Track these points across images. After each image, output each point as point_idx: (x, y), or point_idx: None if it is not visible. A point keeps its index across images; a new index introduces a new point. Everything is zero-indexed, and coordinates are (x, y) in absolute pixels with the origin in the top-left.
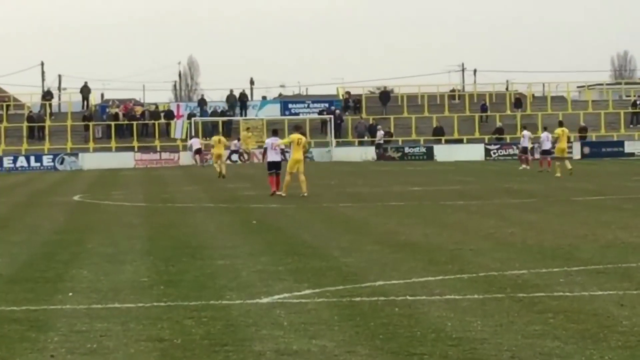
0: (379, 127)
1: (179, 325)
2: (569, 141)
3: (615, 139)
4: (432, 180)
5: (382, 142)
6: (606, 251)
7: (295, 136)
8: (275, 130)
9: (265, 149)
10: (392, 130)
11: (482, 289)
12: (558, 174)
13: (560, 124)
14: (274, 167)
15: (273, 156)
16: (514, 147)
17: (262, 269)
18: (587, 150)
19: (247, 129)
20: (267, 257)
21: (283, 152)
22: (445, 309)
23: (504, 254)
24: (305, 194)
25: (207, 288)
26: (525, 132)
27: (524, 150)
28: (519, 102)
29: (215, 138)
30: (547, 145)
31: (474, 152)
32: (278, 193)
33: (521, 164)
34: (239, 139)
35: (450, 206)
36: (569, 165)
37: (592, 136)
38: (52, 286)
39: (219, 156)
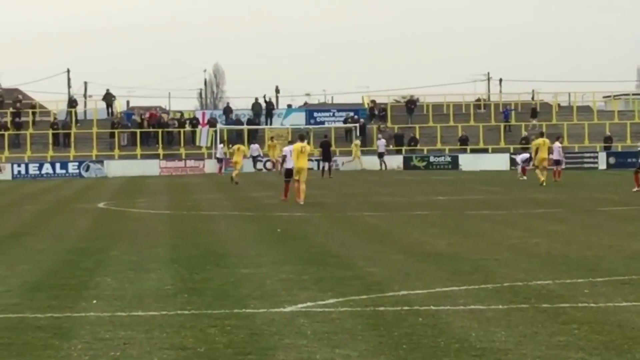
0: (379, 135)
1: (202, 333)
2: (550, 152)
3: None
4: (456, 189)
5: (384, 152)
6: (631, 262)
7: (299, 145)
8: (302, 135)
9: (284, 157)
10: (417, 137)
11: (506, 299)
12: (542, 182)
13: (542, 135)
14: (291, 174)
15: (291, 163)
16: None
17: (286, 278)
18: (612, 160)
19: (271, 138)
20: (291, 266)
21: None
22: (469, 319)
23: (528, 264)
24: (301, 203)
25: (231, 296)
26: (556, 144)
27: (556, 162)
28: (534, 112)
29: (235, 146)
30: (556, 155)
31: (499, 162)
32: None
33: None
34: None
35: (474, 216)
36: (541, 177)
37: (618, 146)
38: (76, 293)
39: (237, 163)
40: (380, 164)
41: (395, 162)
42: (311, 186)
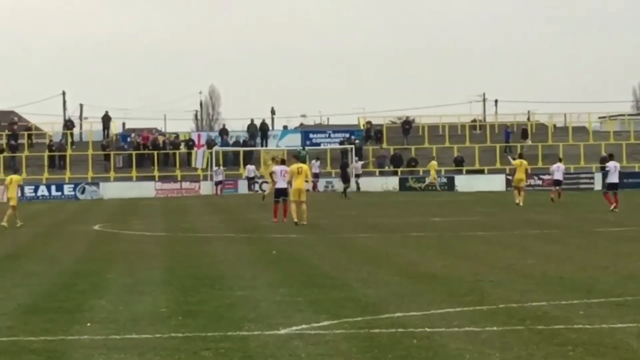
0: (356, 157)
1: (196, 356)
2: (527, 173)
3: (636, 169)
4: (452, 211)
5: (360, 173)
6: (627, 283)
7: (295, 166)
8: (283, 159)
9: (272, 174)
10: (415, 157)
11: (501, 321)
12: (519, 202)
13: (520, 156)
14: (281, 194)
15: (281, 183)
16: (535, 178)
17: (281, 300)
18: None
19: (273, 159)
20: (286, 288)
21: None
22: (464, 341)
23: (523, 286)
24: (305, 223)
25: (226, 319)
26: (558, 165)
27: (557, 182)
28: (525, 133)
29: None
30: (558, 176)
31: (494, 183)
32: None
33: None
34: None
35: (470, 237)
36: (516, 199)
37: None
38: (71, 316)
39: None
40: (357, 185)
41: (390, 183)
42: (308, 207)
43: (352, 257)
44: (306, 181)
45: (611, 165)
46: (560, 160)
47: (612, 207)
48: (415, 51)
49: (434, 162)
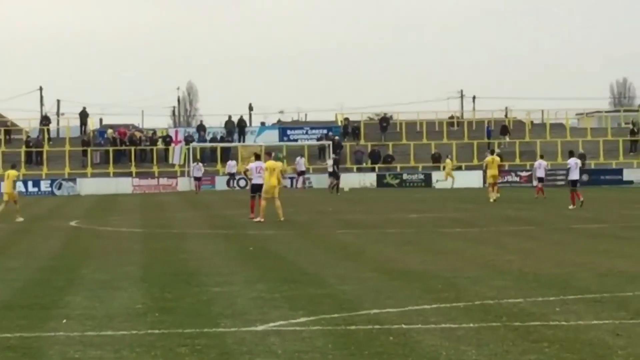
0: (333, 155)
1: (172, 353)
2: (500, 169)
3: (614, 166)
4: (430, 207)
5: (332, 169)
6: (603, 280)
7: (271, 163)
8: (257, 154)
9: (247, 171)
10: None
11: (477, 318)
12: (492, 199)
13: (492, 152)
14: (257, 189)
15: (257, 179)
16: (512, 175)
17: (258, 296)
18: (585, 177)
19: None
20: (263, 284)
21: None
22: (440, 338)
23: (500, 282)
24: (282, 219)
25: (202, 315)
26: (540, 162)
27: (540, 179)
28: (505, 129)
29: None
30: (540, 173)
31: (472, 179)
32: (256, 219)
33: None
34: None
35: (447, 234)
36: (492, 196)
37: (591, 164)
38: (47, 313)
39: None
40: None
41: (368, 179)
42: (285, 204)
43: (329, 253)
44: (284, 178)
45: (572, 162)
46: (542, 157)
47: (572, 205)
48: (393, 48)
49: (448, 161)
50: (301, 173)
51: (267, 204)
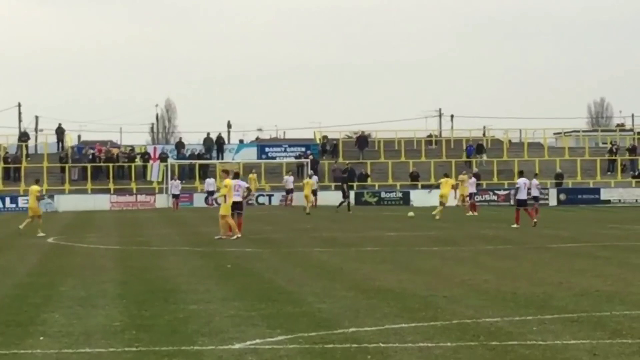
0: (311, 171)
1: None
2: (455, 188)
3: (591, 185)
4: (407, 225)
5: (316, 188)
6: (580, 299)
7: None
8: (237, 173)
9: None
10: (369, 172)
11: (455, 337)
12: (438, 217)
13: (446, 175)
14: (235, 208)
15: (235, 197)
16: (490, 193)
17: (235, 314)
18: (563, 196)
19: (252, 171)
20: (241, 302)
21: (247, 194)
22: (417, 357)
23: (477, 301)
24: (232, 238)
25: (179, 333)
26: (534, 181)
27: (535, 199)
28: (481, 148)
29: (305, 181)
30: (534, 192)
31: (450, 198)
32: (233, 237)
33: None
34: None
35: (425, 252)
36: (436, 214)
37: (569, 183)
38: (23, 330)
39: (307, 197)
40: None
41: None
42: (263, 221)
43: (306, 271)
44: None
45: (521, 182)
46: (535, 176)
47: (516, 224)
48: (371, 66)
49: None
50: (289, 191)
51: (226, 221)
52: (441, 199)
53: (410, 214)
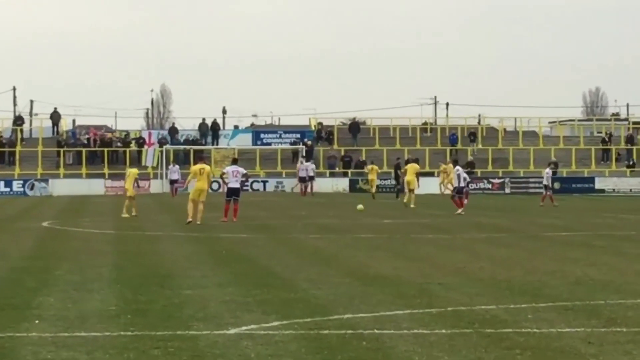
0: (304, 158)
1: (145, 355)
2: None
3: (585, 175)
4: (402, 213)
5: (313, 175)
6: (574, 288)
7: (198, 166)
8: (235, 159)
9: (223, 174)
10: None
11: (450, 324)
12: (412, 205)
13: (410, 161)
14: (233, 193)
15: (233, 183)
16: (485, 181)
17: (231, 300)
18: (557, 185)
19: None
20: (236, 288)
21: (245, 180)
22: (412, 344)
23: (472, 289)
24: (198, 223)
25: (175, 318)
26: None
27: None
28: (473, 136)
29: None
30: (546, 181)
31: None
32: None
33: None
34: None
35: (420, 239)
36: (407, 199)
37: (563, 172)
38: (19, 313)
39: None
40: (311, 188)
41: (341, 184)
42: (259, 207)
43: (302, 257)
44: (209, 182)
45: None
46: (548, 165)
47: (460, 210)
48: (367, 53)
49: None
50: (310, 178)
51: (194, 206)
52: (407, 185)
53: (360, 206)
